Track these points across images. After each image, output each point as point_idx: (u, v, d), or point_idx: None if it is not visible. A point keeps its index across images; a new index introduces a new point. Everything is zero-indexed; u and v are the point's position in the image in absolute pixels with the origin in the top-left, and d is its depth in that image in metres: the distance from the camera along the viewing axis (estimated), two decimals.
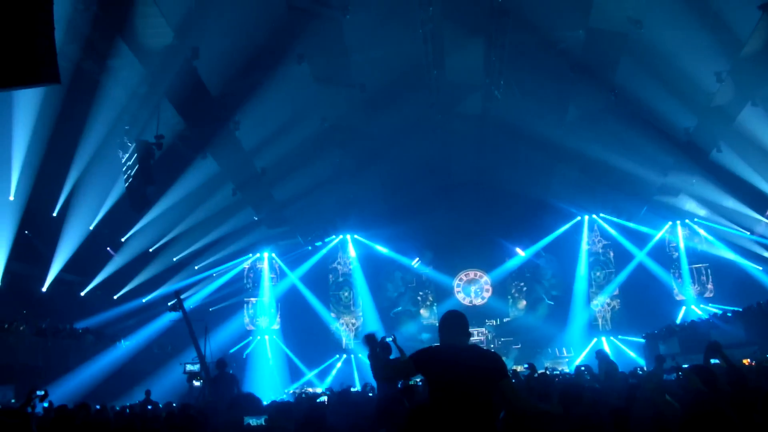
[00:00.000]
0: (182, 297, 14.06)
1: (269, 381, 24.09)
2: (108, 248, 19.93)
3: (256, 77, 15.66)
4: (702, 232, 25.40)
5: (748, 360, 13.35)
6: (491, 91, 17.66)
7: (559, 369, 21.62)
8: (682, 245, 26.14)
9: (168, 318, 18.42)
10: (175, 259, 22.02)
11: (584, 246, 27.40)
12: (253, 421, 6.34)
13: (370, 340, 10.94)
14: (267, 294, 27.38)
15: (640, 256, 26.06)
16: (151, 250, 20.55)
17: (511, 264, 27.78)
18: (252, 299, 27.21)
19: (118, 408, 12.03)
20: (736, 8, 13.37)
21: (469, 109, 20.22)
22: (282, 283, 27.56)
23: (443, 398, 4.21)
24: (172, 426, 6.24)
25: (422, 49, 16.12)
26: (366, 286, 27.79)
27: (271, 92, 16.00)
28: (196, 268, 23.77)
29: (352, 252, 28.10)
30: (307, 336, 26.44)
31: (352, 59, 16.05)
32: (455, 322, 4.51)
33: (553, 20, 15.54)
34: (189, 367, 15.39)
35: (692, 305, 25.52)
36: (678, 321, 24.20)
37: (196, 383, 14.85)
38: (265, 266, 27.59)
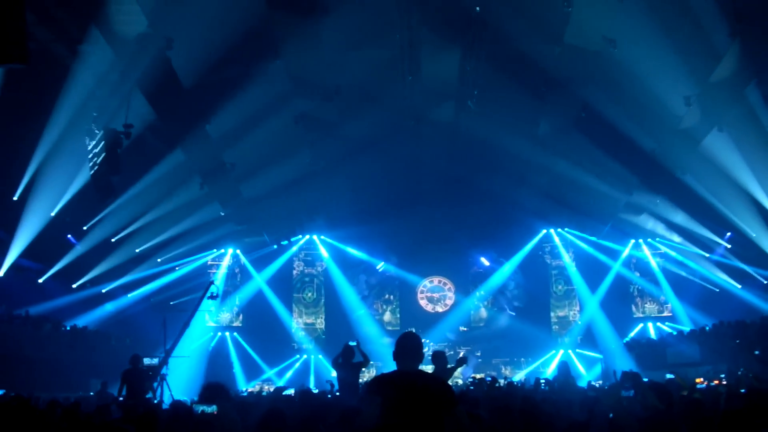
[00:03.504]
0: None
1: (229, 378, 23.83)
2: (69, 236, 19.47)
3: (230, 71, 15.49)
4: (665, 250, 25.65)
5: (701, 379, 13.60)
6: (465, 100, 17.75)
7: (518, 379, 21.81)
8: (653, 262, 26.15)
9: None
10: (137, 251, 21.63)
11: (550, 260, 27.72)
12: (206, 409, 6.18)
13: (346, 349, 11.02)
14: (229, 291, 27.06)
15: (613, 272, 26.09)
16: (113, 240, 20.14)
17: (476, 273, 27.92)
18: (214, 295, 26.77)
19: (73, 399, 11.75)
20: (709, 33, 13.59)
21: (441, 117, 20.31)
22: (245, 281, 27.27)
23: (393, 422, 4.25)
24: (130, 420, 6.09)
25: (398, 54, 16.15)
26: (330, 288, 27.70)
27: (244, 86, 15.85)
28: (158, 260, 23.38)
29: (324, 252, 27.98)
30: (267, 335, 26.31)
31: (328, 58, 15.98)
32: (408, 346, 4.59)
33: (530, 34, 15.67)
34: (146, 362, 15.05)
35: (649, 323, 25.94)
36: (635, 337, 24.58)
37: None
38: (227, 263, 27.18)
